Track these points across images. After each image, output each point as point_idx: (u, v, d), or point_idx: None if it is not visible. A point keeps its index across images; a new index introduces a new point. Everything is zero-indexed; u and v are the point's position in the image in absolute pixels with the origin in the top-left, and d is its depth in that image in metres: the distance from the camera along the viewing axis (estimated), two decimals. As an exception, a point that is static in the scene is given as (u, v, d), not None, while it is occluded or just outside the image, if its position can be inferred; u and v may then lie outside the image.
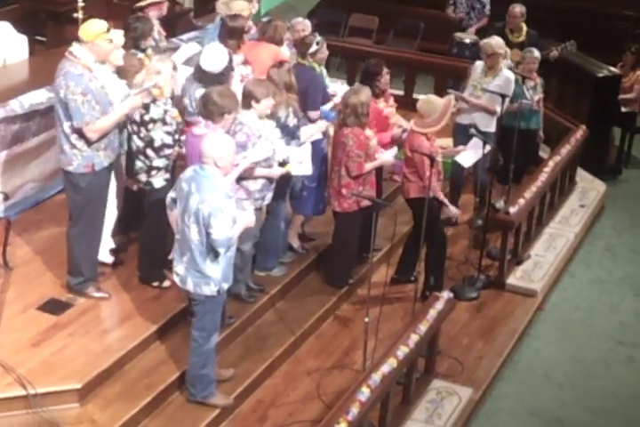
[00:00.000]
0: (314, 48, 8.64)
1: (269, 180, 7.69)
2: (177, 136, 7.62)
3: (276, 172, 7.68)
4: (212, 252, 6.60)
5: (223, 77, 7.98)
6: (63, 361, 7.09)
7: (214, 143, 6.54)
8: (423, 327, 7.36)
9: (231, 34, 8.69)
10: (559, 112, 11.89)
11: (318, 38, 8.70)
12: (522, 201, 9.52)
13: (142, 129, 7.52)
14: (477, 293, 9.19)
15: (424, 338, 7.34)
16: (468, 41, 13.13)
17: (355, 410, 6.39)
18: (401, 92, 12.46)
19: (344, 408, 6.41)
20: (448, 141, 10.08)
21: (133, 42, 8.26)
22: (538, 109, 10.30)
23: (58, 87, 7.22)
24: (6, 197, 8.64)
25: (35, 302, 7.70)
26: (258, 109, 7.54)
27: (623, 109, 12.21)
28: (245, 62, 8.83)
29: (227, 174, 6.74)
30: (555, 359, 8.64)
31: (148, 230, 7.82)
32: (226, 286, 6.82)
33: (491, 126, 9.82)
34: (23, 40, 10.09)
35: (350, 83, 11.19)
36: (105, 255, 8.08)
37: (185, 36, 10.69)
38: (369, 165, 8.21)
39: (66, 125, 7.26)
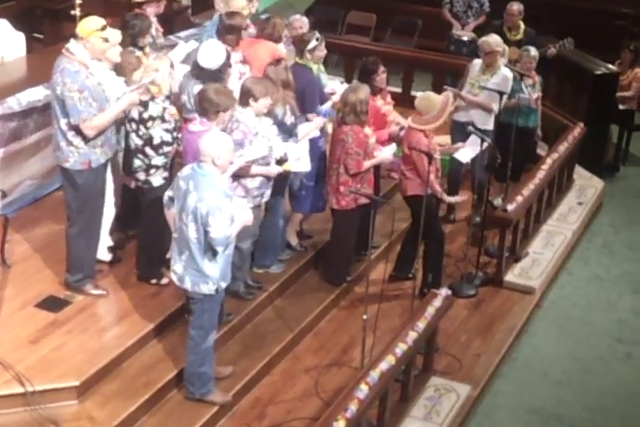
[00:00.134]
0: (313, 44, 8.64)
1: (267, 177, 7.69)
2: (175, 134, 7.62)
3: (274, 170, 7.68)
4: (211, 250, 6.59)
5: (221, 74, 7.99)
6: (61, 358, 7.09)
7: (212, 142, 6.53)
8: (421, 325, 7.36)
9: (229, 31, 8.69)
10: (557, 110, 11.88)
11: (317, 35, 8.70)
12: (520, 198, 9.52)
13: (141, 127, 7.51)
14: (475, 290, 9.19)
15: (422, 335, 7.35)
16: (465, 39, 13.11)
17: (353, 407, 6.39)
18: (399, 90, 12.47)
19: (342, 406, 6.42)
20: (446, 139, 10.08)
21: (131, 39, 8.26)
22: (536, 108, 10.29)
23: (54, 84, 7.21)
24: (4, 195, 8.61)
25: (33, 299, 7.70)
26: (255, 108, 7.54)
27: (621, 107, 12.20)
28: (244, 61, 8.82)
29: (225, 173, 6.74)
30: (553, 357, 8.65)
31: (147, 228, 7.82)
32: (224, 284, 6.81)
33: (488, 124, 9.82)
34: (20, 37, 10.07)
35: (348, 80, 11.19)
36: (103, 253, 8.08)
37: (182, 34, 10.68)
38: (367, 163, 8.21)
39: (62, 122, 7.26)
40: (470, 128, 8.87)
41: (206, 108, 7.15)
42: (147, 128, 7.50)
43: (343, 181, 8.22)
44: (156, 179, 7.64)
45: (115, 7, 10.77)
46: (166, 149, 7.58)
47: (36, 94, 8.77)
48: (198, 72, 7.96)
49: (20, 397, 6.77)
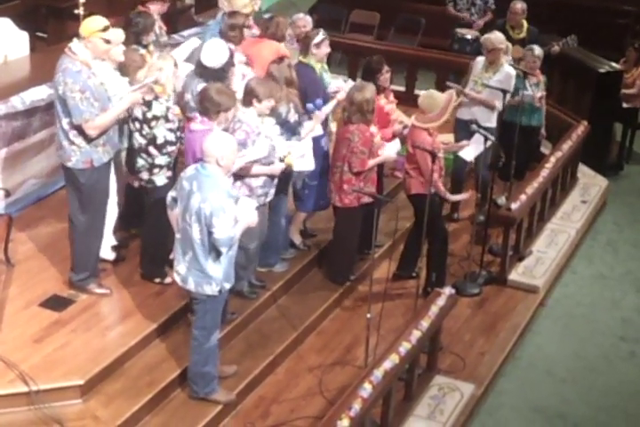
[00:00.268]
0: (320, 37, 8.62)
1: (271, 176, 7.68)
2: (179, 133, 7.62)
3: (277, 167, 7.67)
4: (214, 251, 6.58)
5: (224, 73, 7.98)
6: (65, 357, 7.09)
7: (216, 142, 6.52)
8: (425, 323, 7.36)
9: (231, 29, 8.67)
10: (561, 108, 11.88)
11: (322, 32, 8.70)
12: (523, 197, 9.51)
13: (145, 126, 7.51)
14: (479, 289, 9.19)
15: (426, 334, 7.34)
16: (469, 37, 13.11)
17: (357, 406, 6.39)
18: (402, 88, 12.47)
19: (346, 404, 6.41)
20: (449, 137, 10.07)
21: (135, 37, 8.25)
22: (540, 107, 10.28)
23: (57, 84, 7.21)
24: (8, 194, 8.64)
25: (37, 298, 7.70)
26: (258, 108, 7.53)
27: (625, 105, 12.19)
28: (247, 63, 8.80)
29: (228, 173, 6.72)
30: (557, 355, 8.64)
31: (150, 228, 7.82)
32: (228, 285, 6.80)
33: (491, 121, 9.82)
34: (24, 36, 10.08)
35: (352, 79, 11.17)
36: (106, 252, 8.08)
37: (186, 33, 10.67)
38: (371, 162, 8.21)
39: (65, 122, 7.26)
40: (474, 127, 8.86)
41: (207, 107, 7.14)
42: (150, 128, 7.49)
43: (347, 179, 8.22)
44: (160, 178, 7.64)
45: (118, 6, 10.74)
46: (170, 148, 7.58)
47: (40, 93, 8.78)
48: (202, 71, 7.96)
49: (24, 396, 6.77)
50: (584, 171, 11.69)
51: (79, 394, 6.90)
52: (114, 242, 8.16)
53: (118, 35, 7.55)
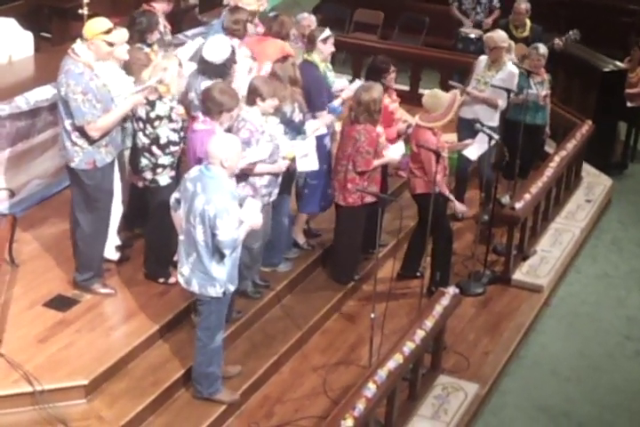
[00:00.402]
0: (326, 34, 8.60)
1: (276, 175, 7.68)
2: (182, 133, 7.62)
3: (282, 165, 7.65)
4: (218, 253, 6.57)
5: (226, 69, 7.92)
6: (69, 357, 7.09)
7: (221, 144, 6.50)
8: (429, 323, 7.36)
9: (234, 23, 8.63)
10: (565, 107, 11.86)
11: (328, 30, 8.70)
12: (528, 196, 9.51)
13: (148, 126, 7.51)
14: (483, 288, 9.18)
15: (430, 334, 7.34)
16: (473, 36, 13.09)
17: (361, 406, 6.39)
18: (406, 88, 12.46)
19: (350, 404, 6.41)
20: (452, 137, 10.06)
21: (139, 35, 8.22)
22: (544, 105, 10.26)
23: (59, 85, 7.21)
24: (12, 194, 8.65)
25: (41, 298, 7.71)
26: (262, 107, 7.53)
27: (629, 104, 12.17)
28: (253, 58, 8.80)
29: (232, 175, 6.71)
30: (561, 354, 8.64)
31: (154, 228, 7.81)
32: (232, 287, 6.78)
33: (494, 120, 9.81)
34: (28, 36, 10.10)
35: (356, 78, 11.16)
36: (111, 252, 8.08)
37: (190, 32, 10.68)
38: (376, 162, 8.21)
39: (67, 123, 7.25)
40: (478, 126, 8.85)
41: (210, 107, 7.14)
42: (154, 127, 7.50)
43: (351, 178, 8.22)
44: (163, 178, 7.64)
45: (122, 6, 10.78)
46: (173, 148, 7.58)
47: (44, 94, 8.78)
48: (204, 67, 7.90)
49: (29, 396, 6.78)
50: (588, 170, 11.68)
51: (83, 394, 6.90)
52: (118, 242, 8.17)
53: (122, 34, 7.54)
